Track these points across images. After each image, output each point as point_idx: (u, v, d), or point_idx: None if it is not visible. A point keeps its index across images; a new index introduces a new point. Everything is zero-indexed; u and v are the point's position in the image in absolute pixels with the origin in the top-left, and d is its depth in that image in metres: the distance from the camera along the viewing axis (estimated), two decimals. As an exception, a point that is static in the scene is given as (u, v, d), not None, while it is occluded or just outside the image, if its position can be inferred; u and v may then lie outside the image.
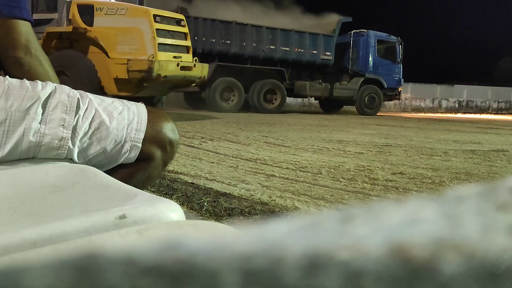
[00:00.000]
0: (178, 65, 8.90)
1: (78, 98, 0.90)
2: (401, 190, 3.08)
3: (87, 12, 8.93)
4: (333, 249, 0.12)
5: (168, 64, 8.71)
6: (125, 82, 8.64)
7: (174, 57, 8.99)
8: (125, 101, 0.99)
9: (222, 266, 0.12)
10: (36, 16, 9.37)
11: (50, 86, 0.90)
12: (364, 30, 15.42)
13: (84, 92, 0.95)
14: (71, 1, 9.06)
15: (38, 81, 0.91)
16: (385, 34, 15.66)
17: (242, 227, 0.15)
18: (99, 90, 8.44)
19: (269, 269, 0.12)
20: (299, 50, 14.56)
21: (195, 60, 9.55)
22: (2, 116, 0.83)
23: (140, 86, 8.68)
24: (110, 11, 8.83)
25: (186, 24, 9.59)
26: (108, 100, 0.97)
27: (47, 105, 0.87)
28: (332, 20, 15.76)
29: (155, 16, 8.77)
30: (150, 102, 9.22)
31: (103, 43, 8.75)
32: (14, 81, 0.88)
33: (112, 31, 8.69)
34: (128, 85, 8.69)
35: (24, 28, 1.02)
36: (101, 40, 8.75)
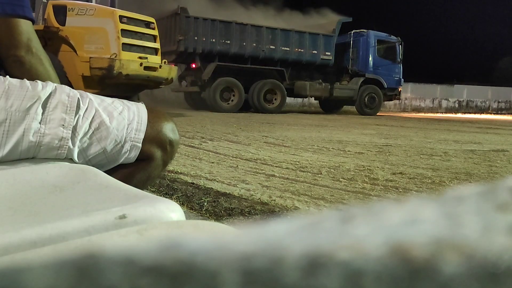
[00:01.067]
0: (141, 65, 9.13)
1: (78, 98, 0.90)
2: (401, 190, 3.08)
3: (60, 12, 9.23)
4: (333, 249, 0.12)
5: (130, 63, 8.95)
6: (89, 79, 8.95)
7: (140, 57, 9.24)
8: (125, 101, 0.99)
9: (222, 266, 0.12)
10: None
11: (50, 86, 0.90)
12: (364, 30, 15.43)
13: (84, 92, 0.95)
14: (47, 2, 9.36)
15: (38, 81, 0.91)
16: (385, 34, 15.66)
17: (242, 227, 0.15)
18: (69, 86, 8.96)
19: (269, 269, 0.12)
20: (299, 50, 14.56)
21: (164, 62, 9.83)
22: (2, 116, 0.83)
23: (102, 84, 8.91)
24: (80, 11, 9.14)
25: (156, 27, 9.92)
26: (108, 100, 0.97)
27: (47, 105, 0.87)
28: (332, 20, 15.76)
29: (121, 17, 9.07)
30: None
31: (73, 41, 9.03)
32: (14, 81, 0.88)
33: (81, 30, 8.99)
34: (93, 83, 8.97)
35: (25, 26, 1.02)
36: (71, 39, 9.04)
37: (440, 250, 0.12)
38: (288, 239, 0.13)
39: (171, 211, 0.60)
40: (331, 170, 3.69)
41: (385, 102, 17.69)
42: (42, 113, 0.86)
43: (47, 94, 0.88)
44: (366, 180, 3.34)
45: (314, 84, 14.61)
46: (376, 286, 0.12)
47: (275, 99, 13.79)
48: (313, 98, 15.93)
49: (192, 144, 5.03)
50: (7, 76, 0.90)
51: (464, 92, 27.12)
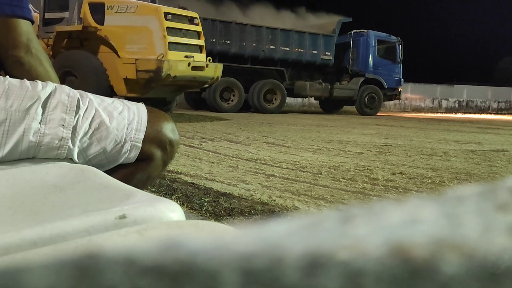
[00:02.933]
0: (189, 65, 8.50)
1: (78, 98, 0.90)
2: (401, 190, 3.08)
3: (98, 11, 8.63)
4: (333, 249, 0.12)
5: (178, 64, 8.33)
6: (134, 82, 8.33)
7: (186, 56, 8.60)
8: (125, 101, 0.99)
9: (222, 266, 0.12)
10: (47, 15, 9.05)
11: (50, 86, 0.90)
12: (364, 30, 15.42)
13: (84, 92, 0.95)
14: (83, 0, 8.77)
15: (38, 81, 0.91)
16: (385, 34, 15.66)
17: (242, 227, 0.15)
18: (108, 91, 8.18)
19: (269, 269, 0.12)
20: (299, 50, 14.56)
21: (209, 60, 9.15)
22: (2, 116, 0.83)
23: (148, 87, 8.35)
24: (120, 9, 8.51)
25: (199, 23, 9.21)
26: (108, 100, 0.97)
27: (47, 105, 0.87)
28: (332, 20, 15.75)
29: (166, 13, 8.42)
30: (162, 104, 8.91)
31: (113, 42, 8.44)
32: (14, 81, 0.88)
33: (122, 29, 8.38)
34: (137, 86, 8.36)
35: (25, 27, 1.02)
36: (111, 39, 8.45)
37: (440, 250, 0.12)
38: (288, 239, 0.13)
39: (171, 211, 0.60)
40: (331, 170, 3.69)
41: (385, 102, 17.69)
42: (42, 113, 0.86)
43: (47, 94, 0.88)
44: (366, 180, 3.34)
45: (314, 84, 14.61)
46: (376, 286, 0.12)
47: (275, 99, 13.79)
48: (313, 98, 15.92)
49: (192, 144, 5.03)
50: (7, 76, 0.90)
51: (464, 92, 27.12)
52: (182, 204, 2.43)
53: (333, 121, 10.74)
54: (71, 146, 0.87)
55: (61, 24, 8.92)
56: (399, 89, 16.01)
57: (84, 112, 0.90)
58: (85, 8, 8.65)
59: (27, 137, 0.84)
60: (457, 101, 25.52)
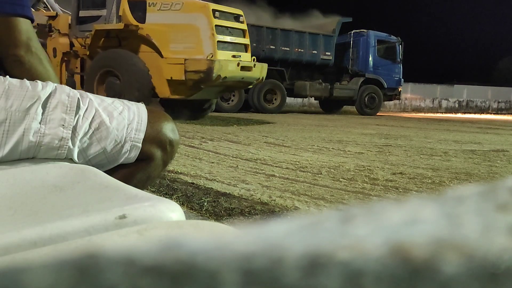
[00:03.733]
0: (238, 65, 7.99)
1: (78, 98, 0.90)
2: (401, 190, 3.08)
3: (139, 8, 8.14)
4: (333, 249, 0.12)
5: (228, 64, 7.80)
6: (179, 84, 7.76)
7: (233, 56, 8.14)
8: (125, 101, 0.99)
9: (222, 266, 0.12)
10: (82, 14, 8.67)
11: (50, 86, 0.90)
12: (364, 30, 15.42)
13: (84, 92, 0.95)
14: None
15: (38, 81, 0.91)
16: (385, 34, 15.65)
17: (242, 227, 0.15)
18: (151, 92, 7.84)
19: (269, 269, 0.12)
20: (299, 50, 14.55)
21: (253, 59, 8.73)
22: (2, 116, 0.83)
23: (196, 88, 7.80)
24: (164, 6, 7.88)
25: (245, 21, 8.72)
26: (108, 100, 0.97)
27: (47, 105, 0.87)
28: (332, 20, 15.75)
29: (214, 11, 7.86)
30: (201, 106, 8.61)
31: (156, 41, 7.88)
32: (14, 81, 0.88)
33: (166, 28, 7.81)
34: (183, 87, 7.80)
35: (25, 26, 1.02)
36: (153, 38, 7.89)
37: (440, 250, 0.12)
38: (288, 239, 0.13)
39: (171, 211, 0.60)
40: (331, 170, 3.69)
41: (385, 102, 17.68)
42: (42, 113, 0.86)
43: (47, 94, 0.88)
44: (366, 180, 3.34)
45: (314, 84, 14.60)
46: (376, 286, 0.12)
47: (275, 99, 13.78)
48: (313, 98, 15.91)
49: (192, 144, 5.03)
50: (7, 76, 0.90)
51: (464, 92, 27.11)
52: (182, 204, 2.43)
53: (333, 121, 10.74)
54: (71, 146, 0.87)
55: (98, 22, 8.48)
56: (399, 89, 16.01)
57: (84, 112, 0.90)
58: (124, 6, 8.20)
59: (27, 137, 0.84)
60: (457, 101, 25.51)
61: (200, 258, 0.12)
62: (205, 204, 2.48)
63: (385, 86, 15.32)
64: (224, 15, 8.20)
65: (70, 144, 0.87)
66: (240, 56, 8.27)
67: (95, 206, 0.61)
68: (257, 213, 2.36)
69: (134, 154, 0.96)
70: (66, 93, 0.90)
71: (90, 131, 0.90)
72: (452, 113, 22.40)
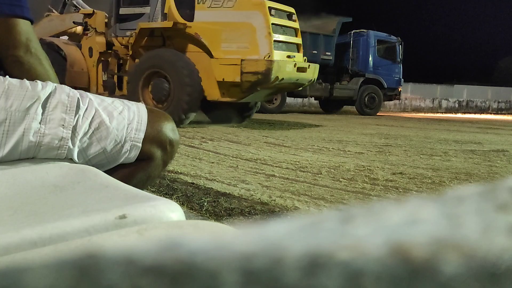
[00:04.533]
0: (295, 66, 7.54)
1: (78, 98, 0.90)
2: (401, 190, 3.08)
3: (186, 5, 7.58)
4: (333, 249, 0.12)
5: (286, 64, 7.34)
6: (232, 85, 7.28)
7: (288, 56, 7.61)
8: (125, 101, 0.99)
9: (222, 266, 0.12)
10: (122, 11, 8.17)
11: (50, 86, 0.90)
12: (364, 30, 15.42)
13: (84, 92, 0.95)
14: None
15: (38, 81, 0.91)
16: (385, 34, 15.65)
17: (242, 227, 0.15)
18: (202, 94, 7.29)
19: (269, 269, 0.12)
20: (299, 50, 14.54)
21: (305, 60, 8.24)
22: (2, 116, 0.83)
23: (251, 91, 7.30)
24: (214, 3, 7.42)
25: (297, 19, 8.24)
26: (108, 100, 0.97)
27: (47, 105, 0.87)
28: (332, 20, 15.74)
29: (270, 8, 7.35)
30: (245, 109, 8.19)
31: (206, 40, 7.38)
32: (14, 81, 0.88)
33: (217, 26, 7.31)
34: (235, 90, 7.29)
35: (24, 26, 1.02)
36: (203, 37, 7.38)
37: (440, 250, 0.12)
38: (288, 239, 0.13)
39: (171, 211, 0.60)
40: (331, 170, 3.69)
41: (385, 102, 17.68)
42: (42, 113, 0.86)
43: (47, 94, 0.88)
44: (366, 180, 3.34)
45: (314, 84, 14.60)
46: (376, 286, 0.12)
47: (275, 99, 13.77)
48: (313, 98, 15.91)
49: (192, 144, 5.03)
50: (7, 76, 0.90)
51: (464, 92, 27.11)
52: (182, 204, 2.43)
53: (333, 121, 10.74)
54: (71, 146, 0.87)
55: (141, 20, 7.98)
56: (399, 89, 16.00)
57: (84, 112, 0.90)
58: (170, 3, 7.65)
59: (27, 137, 0.84)
60: (457, 101, 25.51)
61: (200, 258, 0.12)
62: (205, 204, 2.48)
63: (385, 86, 15.32)
64: (278, 13, 7.70)
65: (70, 144, 0.87)
66: (294, 56, 7.80)
67: (95, 206, 0.61)
68: (257, 213, 2.36)
69: (134, 154, 0.96)
70: (66, 93, 0.90)
71: (90, 131, 0.90)
72: (452, 113, 22.39)
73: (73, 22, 8.80)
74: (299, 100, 18.89)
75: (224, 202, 2.52)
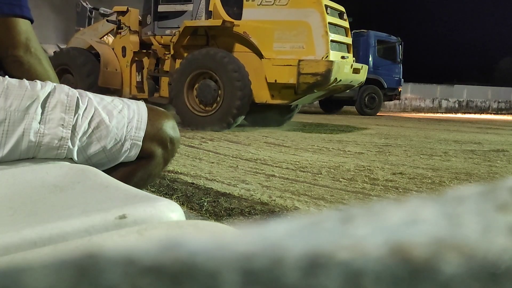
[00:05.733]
0: (351, 67, 7.26)
1: (77, 97, 0.90)
2: (401, 190, 3.08)
3: (233, 3, 7.22)
4: (333, 249, 0.12)
5: (344, 65, 7.00)
6: (284, 87, 6.92)
7: (342, 57, 7.27)
8: (125, 100, 0.99)
9: (222, 266, 0.12)
10: (161, 8, 7.65)
11: (49, 85, 0.90)
12: (364, 30, 15.41)
13: (83, 91, 0.95)
14: None
15: (37, 80, 0.91)
16: (385, 34, 15.65)
17: (242, 227, 0.15)
18: (251, 97, 6.93)
19: (269, 269, 0.12)
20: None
21: (354, 61, 7.88)
22: (1, 116, 0.83)
23: (306, 92, 6.95)
24: (266, 1, 7.03)
25: (347, 18, 7.96)
26: (107, 98, 0.97)
27: (46, 105, 0.87)
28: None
29: (326, 6, 6.94)
30: (285, 111, 7.86)
31: (255, 40, 6.96)
32: (13, 80, 0.88)
33: (269, 25, 6.91)
34: (288, 92, 6.92)
35: (24, 26, 1.02)
36: (252, 37, 6.98)
37: (440, 250, 0.12)
38: (288, 239, 0.13)
39: (171, 211, 0.60)
40: (331, 170, 3.69)
41: (385, 102, 17.68)
42: (42, 113, 0.86)
43: (46, 94, 0.88)
44: (366, 180, 3.34)
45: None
46: (376, 286, 0.12)
47: (275, 99, 13.75)
48: (313, 98, 15.91)
49: (192, 144, 5.03)
50: (6, 76, 0.90)
51: (464, 92, 27.11)
52: (182, 204, 2.43)
53: (333, 121, 10.74)
54: (71, 146, 0.87)
55: (183, 18, 7.47)
56: (399, 89, 16.01)
57: (84, 111, 0.90)
58: (216, 0, 7.23)
59: (26, 137, 0.84)
60: (457, 101, 25.50)
61: (200, 258, 0.12)
62: (205, 204, 2.48)
63: (385, 86, 15.32)
64: (332, 11, 7.29)
65: (69, 143, 0.87)
66: (347, 57, 7.49)
67: (95, 206, 0.61)
68: (257, 213, 2.36)
69: (135, 153, 0.96)
70: (65, 93, 0.90)
71: (90, 130, 0.90)
72: (452, 113, 22.39)
73: (107, 20, 8.31)
74: (299, 100, 18.86)
75: (224, 202, 2.52)
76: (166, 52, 7.67)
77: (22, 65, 1.01)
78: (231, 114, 6.70)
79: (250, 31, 7.04)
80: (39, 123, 0.85)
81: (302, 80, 6.73)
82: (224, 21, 7.00)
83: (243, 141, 5.51)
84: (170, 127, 1.02)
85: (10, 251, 0.50)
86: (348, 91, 14.88)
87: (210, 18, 7.26)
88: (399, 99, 16.80)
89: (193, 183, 3.00)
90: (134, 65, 8.07)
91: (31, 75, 0.98)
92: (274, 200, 2.61)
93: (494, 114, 23.18)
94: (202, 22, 7.36)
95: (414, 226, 0.14)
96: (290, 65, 6.76)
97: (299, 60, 6.73)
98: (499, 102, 26.52)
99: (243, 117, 7.02)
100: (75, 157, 0.89)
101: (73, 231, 0.54)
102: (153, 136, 0.98)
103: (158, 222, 0.58)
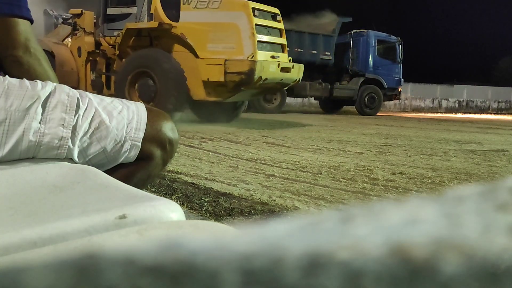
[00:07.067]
0: (278, 66, 7.68)
1: (78, 97, 0.90)
2: (401, 190, 3.08)
3: (171, 6, 7.73)
4: (333, 249, 0.12)
5: (269, 65, 7.47)
6: (217, 85, 7.40)
7: (272, 56, 7.77)
8: (124, 101, 1.00)
9: (222, 266, 0.12)
10: (110, 11, 8.34)
11: (50, 85, 0.90)
12: (364, 30, 15.42)
13: (83, 91, 0.95)
14: None
15: (37, 80, 0.91)
16: (385, 34, 15.65)
17: (242, 227, 0.15)
18: (188, 95, 7.47)
19: (269, 269, 0.12)
20: (299, 50, 14.54)
21: (290, 60, 8.35)
22: (2, 115, 0.83)
23: (235, 90, 7.43)
24: (200, 4, 7.57)
25: (281, 19, 8.33)
26: (107, 99, 0.97)
27: (47, 105, 0.87)
28: (332, 20, 15.74)
29: (253, 9, 7.52)
30: (232, 108, 8.36)
31: (192, 41, 7.51)
32: (14, 80, 0.88)
33: (203, 27, 7.46)
34: (221, 89, 7.43)
35: (23, 26, 1.02)
36: (188, 38, 7.53)
37: (440, 250, 0.12)
38: (288, 239, 0.13)
39: (171, 211, 0.60)
40: (331, 170, 3.69)
41: (385, 102, 17.68)
42: (42, 113, 0.86)
43: (47, 94, 0.88)
44: (366, 180, 3.34)
45: (314, 84, 14.60)
46: (376, 286, 0.12)
47: (275, 99, 13.78)
48: (313, 98, 15.92)
49: (192, 144, 5.03)
50: (7, 76, 0.90)
51: (464, 92, 27.10)
52: (182, 204, 2.43)
53: (333, 121, 10.74)
54: (71, 146, 0.87)
55: (128, 20, 8.12)
56: (399, 89, 16.01)
57: (84, 112, 0.90)
58: (156, 3, 7.81)
59: (27, 137, 0.84)
60: (457, 101, 25.51)
61: (200, 258, 0.12)
62: (205, 204, 2.48)
63: (385, 86, 15.32)
64: (262, 13, 7.87)
65: (70, 143, 0.87)
66: (278, 56, 7.95)
67: (95, 206, 0.61)
68: (257, 213, 2.36)
69: (134, 153, 0.96)
70: (66, 93, 0.90)
71: (90, 131, 0.90)
72: (452, 113, 22.38)
73: (62, 22, 8.93)
74: (299, 100, 18.89)
75: (224, 202, 2.52)
76: (115, 52, 8.26)
77: (22, 65, 1.01)
78: (167, 110, 7.08)
79: (187, 32, 7.61)
80: (40, 123, 0.85)
81: (229, 78, 7.28)
82: (160, 23, 7.61)
83: (243, 141, 5.51)
84: (169, 128, 1.02)
85: (10, 251, 0.50)
86: (347, 91, 14.97)
87: (152, 20, 7.84)
88: (399, 99, 16.81)
89: (193, 183, 3.00)
90: (89, 64, 8.64)
91: (31, 75, 0.98)
92: (274, 200, 2.61)
93: (494, 114, 23.18)
94: (142, 24, 7.98)
95: (414, 226, 0.14)
96: (219, 64, 7.32)
97: (225, 60, 7.30)
98: (499, 102, 26.53)
99: (180, 113, 7.40)
100: (75, 157, 0.89)
101: (73, 231, 0.54)
102: (152, 137, 0.98)
103: (158, 222, 0.58)
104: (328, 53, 14.93)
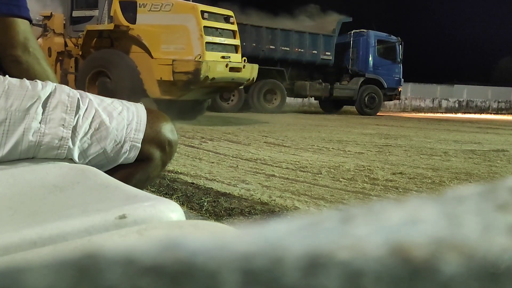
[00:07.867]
0: (226, 66, 8.04)
1: (78, 98, 0.90)
2: (401, 190, 3.08)
3: (129, 9, 8.15)
4: (333, 249, 0.12)
5: (216, 65, 7.85)
6: (169, 84, 7.81)
7: (223, 57, 8.15)
8: (124, 102, 1.00)
9: (222, 266, 0.12)
10: (75, 14, 8.79)
11: (50, 85, 0.90)
12: (364, 30, 15.42)
13: (83, 92, 0.95)
14: None
15: (38, 80, 0.91)
16: (385, 34, 15.65)
17: (242, 227, 0.15)
18: (143, 93, 7.89)
19: (269, 269, 0.12)
20: (299, 50, 14.54)
21: (244, 60, 8.77)
22: (2, 115, 0.83)
23: (185, 89, 7.84)
24: (154, 7, 8.02)
25: (235, 21, 8.80)
26: (107, 100, 0.97)
27: (47, 105, 0.87)
28: (332, 20, 15.74)
29: (202, 12, 7.94)
30: (194, 105, 8.75)
31: (146, 42, 7.99)
32: (14, 80, 0.88)
33: (156, 29, 7.92)
34: (173, 88, 7.83)
35: (22, 26, 1.02)
36: (144, 39, 8.01)
37: (440, 250, 0.12)
38: (288, 239, 0.13)
39: (171, 211, 0.60)
40: (331, 170, 3.69)
41: (385, 102, 17.68)
42: (42, 113, 0.86)
43: (47, 94, 0.88)
44: (366, 180, 3.34)
45: (314, 84, 14.60)
46: (376, 286, 0.12)
47: (275, 99, 13.78)
48: (313, 98, 15.92)
49: (192, 144, 5.03)
50: (7, 76, 0.90)
51: (464, 92, 27.10)
52: (182, 204, 2.43)
53: (333, 121, 10.74)
54: (71, 146, 0.87)
55: (91, 22, 8.60)
56: (399, 89, 16.01)
57: (84, 112, 0.90)
58: (116, 6, 8.25)
59: (27, 137, 0.84)
60: (457, 101, 25.51)
61: (200, 258, 0.12)
62: (205, 204, 2.48)
63: (385, 86, 15.32)
64: (213, 16, 8.29)
65: (70, 144, 0.87)
66: (229, 57, 8.32)
67: (95, 206, 0.61)
68: (257, 213, 2.36)
69: (134, 154, 0.96)
70: (66, 93, 0.90)
71: (90, 131, 0.90)
72: (452, 113, 22.39)
73: (32, 24, 9.19)
74: (299, 100, 18.89)
75: (224, 202, 2.52)
76: (79, 53, 8.67)
77: (21, 64, 1.01)
78: None
79: (143, 34, 8.07)
80: (40, 123, 0.85)
81: (177, 77, 7.70)
82: (116, 25, 8.08)
83: (243, 141, 5.51)
84: (169, 130, 1.02)
85: (10, 251, 0.50)
86: (347, 91, 14.97)
87: (112, 22, 8.27)
88: (399, 99, 16.81)
89: (193, 183, 3.00)
90: (58, 64, 9.05)
91: (30, 75, 0.98)
92: (274, 200, 2.61)
93: (494, 114, 23.18)
94: (100, 26, 8.43)
95: (414, 226, 0.14)
96: (168, 64, 7.75)
97: (173, 60, 7.72)
98: (499, 102, 26.53)
99: None
100: (75, 158, 0.89)
101: (73, 231, 0.54)
102: (152, 138, 0.98)
103: (158, 222, 0.58)
104: (329, 53, 14.93)
